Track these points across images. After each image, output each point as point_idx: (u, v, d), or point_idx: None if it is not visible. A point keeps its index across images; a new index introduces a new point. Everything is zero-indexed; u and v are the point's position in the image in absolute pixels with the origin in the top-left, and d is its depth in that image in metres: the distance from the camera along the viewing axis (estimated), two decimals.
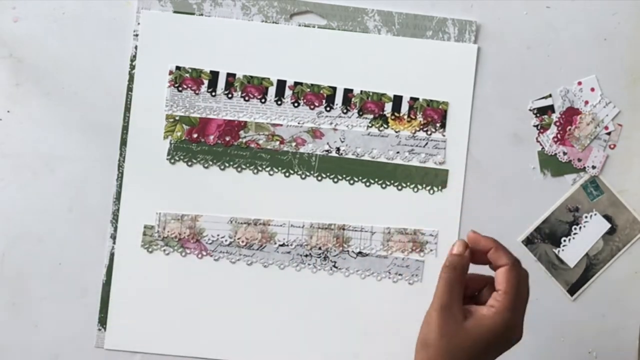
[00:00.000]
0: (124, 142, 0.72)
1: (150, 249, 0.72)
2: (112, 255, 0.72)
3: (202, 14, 0.72)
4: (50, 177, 0.72)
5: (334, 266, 0.73)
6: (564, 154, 0.74)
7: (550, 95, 0.74)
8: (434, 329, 0.55)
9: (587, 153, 0.74)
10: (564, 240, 0.74)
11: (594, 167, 0.74)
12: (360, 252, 0.73)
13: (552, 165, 0.74)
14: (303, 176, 0.73)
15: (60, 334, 0.72)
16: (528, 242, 0.74)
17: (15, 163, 0.72)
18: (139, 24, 0.72)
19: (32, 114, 0.72)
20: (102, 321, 0.72)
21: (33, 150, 0.72)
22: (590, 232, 0.75)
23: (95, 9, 0.73)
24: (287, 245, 0.72)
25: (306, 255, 0.73)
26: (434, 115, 0.73)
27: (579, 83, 0.74)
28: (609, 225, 0.75)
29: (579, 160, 0.74)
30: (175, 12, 0.72)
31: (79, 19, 0.73)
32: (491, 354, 0.57)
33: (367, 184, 0.73)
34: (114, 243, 0.72)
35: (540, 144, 0.74)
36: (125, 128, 0.72)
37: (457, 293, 0.56)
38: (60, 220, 0.72)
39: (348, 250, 0.73)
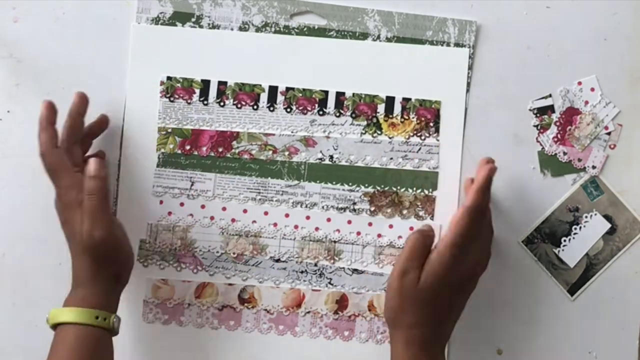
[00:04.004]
0: (123, 143, 0.72)
1: (145, 263, 0.72)
2: None
3: (202, 14, 0.72)
4: None
5: (330, 283, 0.73)
6: (564, 154, 0.74)
7: (550, 95, 0.74)
8: (393, 292, 0.65)
9: (587, 153, 0.74)
10: (564, 240, 0.74)
11: (594, 167, 0.74)
12: (355, 270, 0.73)
13: (552, 165, 0.74)
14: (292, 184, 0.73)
15: None
16: (528, 242, 0.74)
17: (15, 163, 0.72)
18: (139, 23, 0.72)
19: (32, 114, 0.72)
20: None
21: (33, 150, 0.72)
22: (590, 232, 0.75)
23: (95, 9, 0.73)
24: (283, 262, 0.73)
25: (302, 272, 0.73)
26: (427, 115, 0.73)
27: (579, 83, 0.74)
28: (609, 225, 0.75)
29: (579, 160, 0.74)
30: (175, 12, 0.72)
31: (79, 19, 0.73)
32: (454, 289, 0.65)
33: (356, 189, 0.73)
34: None
35: (540, 144, 0.74)
36: (124, 129, 0.72)
37: (417, 259, 0.65)
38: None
39: (344, 268, 0.73)
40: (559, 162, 0.74)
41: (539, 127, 0.74)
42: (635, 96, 0.75)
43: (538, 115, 0.74)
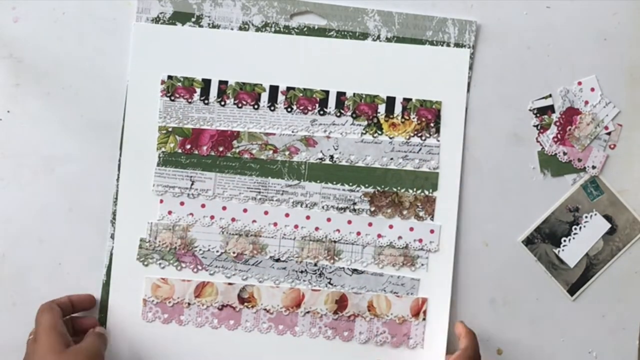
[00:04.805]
0: (123, 142, 0.72)
1: (145, 262, 0.72)
2: (112, 255, 0.72)
3: (202, 14, 0.72)
4: (50, 177, 0.72)
5: (330, 283, 0.73)
6: (564, 154, 0.74)
7: (550, 96, 0.74)
8: None
9: (587, 153, 0.74)
10: (564, 240, 0.74)
11: (594, 167, 0.74)
12: (355, 270, 0.73)
13: (552, 165, 0.74)
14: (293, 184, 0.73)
15: None
16: (528, 242, 0.74)
17: (15, 163, 0.72)
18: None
19: (32, 114, 0.72)
20: (102, 321, 0.72)
21: (33, 150, 0.72)
22: (590, 232, 0.75)
23: (95, 9, 0.73)
24: (283, 261, 0.73)
25: (302, 272, 0.73)
26: (427, 115, 0.73)
27: (579, 83, 0.74)
28: (609, 225, 0.75)
29: (579, 160, 0.74)
30: (175, 12, 0.73)
31: (79, 19, 0.73)
32: None
33: (357, 189, 0.73)
34: (114, 243, 0.72)
35: (540, 144, 0.74)
36: (124, 128, 0.72)
37: None
38: (60, 220, 0.72)
39: (344, 268, 0.73)
40: (559, 162, 0.74)
41: (539, 127, 0.74)
42: (635, 96, 0.75)
43: (538, 115, 0.74)
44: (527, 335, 0.74)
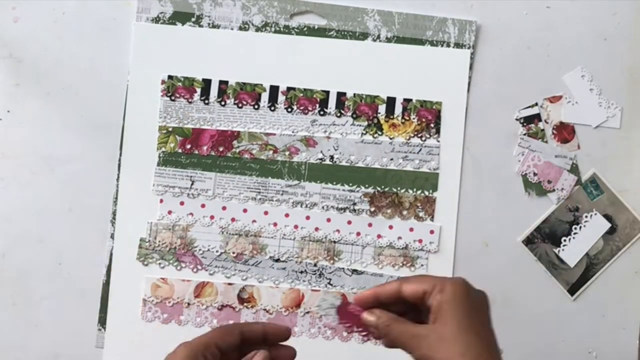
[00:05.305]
0: (123, 142, 0.72)
1: (145, 262, 0.72)
2: (112, 255, 0.72)
3: (202, 14, 0.72)
4: (50, 177, 0.72)
5: (329, 283, 0.73)
6: (534, 174, 0.74)
7: (536, 104, 0.74)
8: None
9: (557, 175, 0.74)
10: (564, 240, 0.74)
11: (562, 190, 0.74)
12: (355, 270, 0.73)
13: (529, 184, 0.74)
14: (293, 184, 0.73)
15: (60, 334, 0.72)
16: (528, 242, 0.74)
17: (15, 163, 0.72)
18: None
19: (32, 114, 0.72)
20: (102, 321, 0.72)
21: (33, 150, 0.72)
22: (590, 231, 0.75)
23: (95, 9, 0.73)
24: (282, 261, 0.73)
25: (301, 272, 0.73)
26: (428, 115, 0.73)
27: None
28: (609, 225, 0.75)
29: (549, 182, 0.74)
30: (175, 12, 0.72)
31: (79, 19, 0.73)
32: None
33: (357, 189, 0.73)
34: (114, 243, 0.72)
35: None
36: (125, 128, 0.72)
37: None
38: (60, 220, 0.72)
39: (343, 268, 0.73)
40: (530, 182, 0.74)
41: (527, 135, 0.74)
42: (635, 96, 0.75)
43: (525, 124, 0.74)
44: (527, 335, 0.74)
